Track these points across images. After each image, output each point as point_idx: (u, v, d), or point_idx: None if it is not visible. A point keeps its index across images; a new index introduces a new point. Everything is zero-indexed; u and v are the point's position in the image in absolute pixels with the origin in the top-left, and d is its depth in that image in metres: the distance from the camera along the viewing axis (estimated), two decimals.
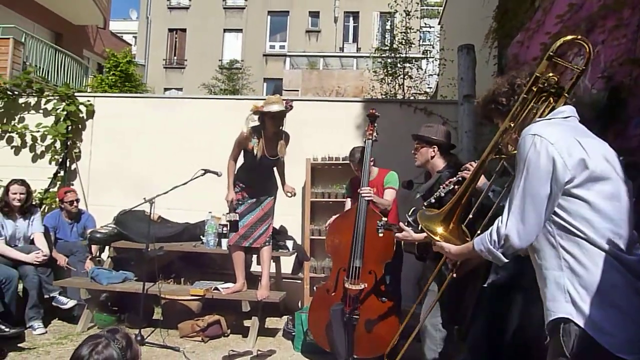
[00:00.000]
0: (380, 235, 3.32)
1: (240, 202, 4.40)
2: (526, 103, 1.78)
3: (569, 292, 1.56)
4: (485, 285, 2.89)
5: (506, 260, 1.67)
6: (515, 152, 1.73)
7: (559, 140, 1.59)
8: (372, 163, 4.13)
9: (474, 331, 2.90)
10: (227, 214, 4.48)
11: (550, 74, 1.76)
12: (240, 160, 4.49)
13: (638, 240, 1.63)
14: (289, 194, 4.51)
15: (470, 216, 2.07)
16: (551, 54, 1.75)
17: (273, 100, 4.22)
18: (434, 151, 3.33)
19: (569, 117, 1.73)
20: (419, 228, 3.17)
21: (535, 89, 1.76)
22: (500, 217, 1.66)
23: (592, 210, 1.57)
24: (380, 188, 4.14)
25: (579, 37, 1.80)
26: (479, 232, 1.91)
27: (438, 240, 1.94)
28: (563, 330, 1.56)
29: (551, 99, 1.76)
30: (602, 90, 2.99)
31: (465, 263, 2.52)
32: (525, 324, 2.45)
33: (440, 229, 1.95)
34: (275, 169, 4.51)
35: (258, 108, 4.21)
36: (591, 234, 1.56)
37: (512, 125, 1.80)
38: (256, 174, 4.40)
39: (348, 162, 4.46)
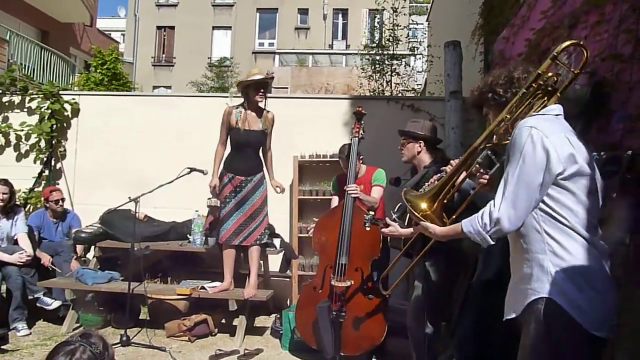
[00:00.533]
0: (367, 229, 3.33)
1: (228, 199, 4.36)
2: (525, 97, 1.87)
3: (551, 273, 1.71)
4: (471, 281, 2.90)
5: (492, 243, 1.79)
6: (506, 142, 1.85)
7: (553, 135, 1.72)
8: (360, 160, 4.13)
9: (462, 328, 2.91)
10: (208, 198, 4.41)
11: (550, 74, 1.86)
12: (228, 149, 4.47)
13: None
14: (278, 190, 4.47)
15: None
16: (555, 54, 1.84)
17: (255, 72, 4.34)
18: (420, 146, 3.34)
19: (558, 115, 1.84)
20: (405, 223, 3.19)
21: (535, 86, 1.86)
22: (491, 202, 1.77)
23: (576, 201, 1.72)
24: (368, 185, 4.14)
25: (581, 42, 1.89)
26: (454, 217, 2.02)
27: (420, 218, 1.98)
28: (543, 308, 1.70)
29: (546, 97, 1.87)
30: (585, 86, 3.00)
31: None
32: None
33: (424, 205, 2.00)
34: (261, 154, 4.48)
35: (243, 80, 4.33)
36: (574, 222, 1.72)
37: (508, 117, 1.90)
38: (242, 153, 4.37)
39: (336, 159, 4.46)
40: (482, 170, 2.08)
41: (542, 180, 1.71)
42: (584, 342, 1.66)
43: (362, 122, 4.02)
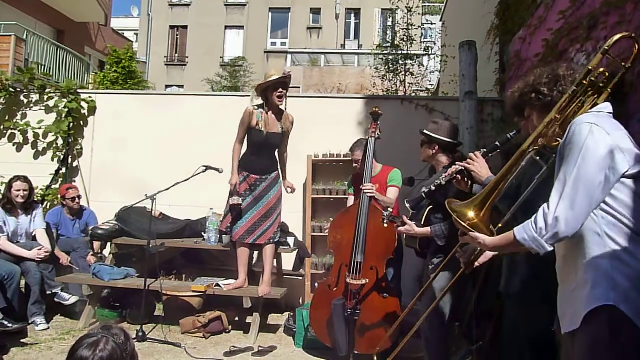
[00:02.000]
0: (385, 225, 3.34)
1: (243, 197, 4.39)
2: (576, 95, 1.77)
3: (614, 279, 1.56)
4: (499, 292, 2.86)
5: (549, 249, 1.65)
6: (555, 144, 1.75)
7: (614, 132, 1.62)
8: (374, 159, 4.15)
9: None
10: (230, 197, 4.43)
11: (602, 69, 1.75)
12: (244, 148, 4.49)
13: None
14: (289, 190, 4.50)
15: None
16: (606, 48, 1.75)
17: (272, 73, 4.35)
18: (434, 149, 3.33)
19: (611, 113, 1.74)
20: (420, 214, 3.18)
21: (586, 83, 1.75)
22: (544, 205, 1.64)
23: (639, 201, 1.60)
24: (383, 185, 4.15)
25: (633, 35, 1.79)
26: (500, 225, 1.89)
27: (468, 228, 1.84)
28: (606, 317, 1.55)
29: (597, 94, 1.76)
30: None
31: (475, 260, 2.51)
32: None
33: (471, 214, 1.86)
34: (277, 154, 4.51)
35: (260, 84, 4.34)
36: (638, 224, 1.59)
37: (559, 117, 1.79)
38: (260, 154, 4.39)
39: (349, 158, 4.46)
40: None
41: (604, 179, 1.58)
42: None
43: (379, 122, 4.04)
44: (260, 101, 4.41)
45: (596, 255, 1.61)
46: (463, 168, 2.46)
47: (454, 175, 2.49)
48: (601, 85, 1.75)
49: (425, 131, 3.38)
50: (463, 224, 1.85)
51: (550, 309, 2.19)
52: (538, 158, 1.88)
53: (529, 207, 1.81)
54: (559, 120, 1.78)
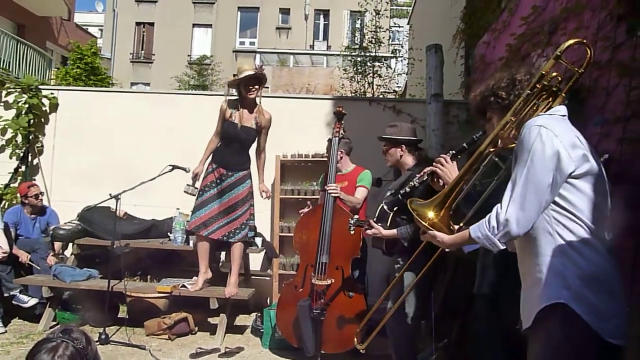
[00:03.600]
0: (352, 232, 3.37)
1: (207, 189, 4.33)
2: (529, 99, 1.83)
3: (566, 277, 1.62)
4: (475, 292, 2.96)
5: (502, 247, 1.71)
6: (512, 145, 1.81)
7: (563, 134, 1.67)
8: (342, 157, 4.18)
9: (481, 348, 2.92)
10: (187, 185, 4.37)
11: (555, 74, 1.81)
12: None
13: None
14: (264, 195, 4.45)
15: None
16: (559, 53, 1.81)
17: (244, 68, 4.32)
18: (401, 150, 3.38)
19: (564, 115, 1.80)
20: (386, 216, 3.23)
21: (539, 86, 1.81)
22: (498, 205, 1.70)
23: (588, 202, 1.65)
24: (352, 184, 4.17)
25: (585, 41, 1.87)
26: (461, 224, 1.96)
27: (427, 227, 1.91)
28: (558, 315, 1.60)
29: (550, 97, 1.83)
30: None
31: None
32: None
33: (431, 214, 1.93)
34: (255, 154, 4.50)
35: (232, 80, 4.33)
36: (588, 223, 1.64)
37: (514, 119, 1.85)
38: (230, 147, 4.36)
39: (318, 159, 4.48)
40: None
41: (552, 180, 1.64)
42: (601, 351, 1.58)
43: (343, 122, 4.06)
44: (234, 95, 4.42)
45: (548, 254, 1.67)
46: (432, 171, 2.51)
47: (427, 177, 2.54)
48: (555, 89, 1.82)
49: (387, 136, 3.42)
50: (423, 223, 1.91)
51: (517, 308, 2.30)
52: (497, 159, 1.96)
53: (489, 207, 1.86)
54: (514, 122, 1.84)
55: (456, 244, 1.90)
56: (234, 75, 4.34)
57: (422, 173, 2.60)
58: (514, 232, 1.66)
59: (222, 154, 4.38)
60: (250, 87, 4.28)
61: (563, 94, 1.83)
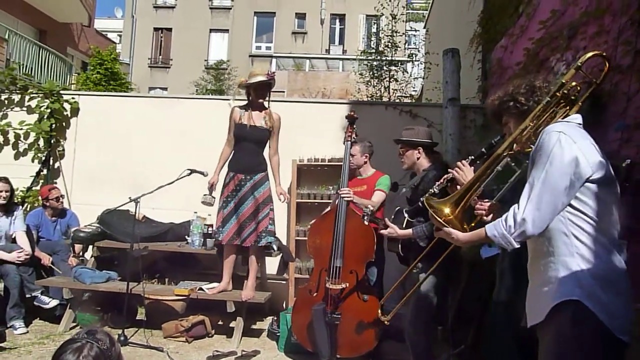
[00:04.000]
0: (366, 223, 3.36)
1: (229, 200, 4.37)
2: (549, 106, 1.89)
3: (579, 276, 1.69)
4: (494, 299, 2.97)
5: (517, 246, 1.77)
6: (528, 150, 1.87)
7: (581, 140, 1.74)
8: (366, 162, 4.23)
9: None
10: (204, 195, 4.40)
11: (574, 83, 1.88)
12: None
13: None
14: (282, 198, 4.46)
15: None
16: (580, 64, 1.88)
17: (256, 72, 4.38)
18: (419, 152, 3.38)
19: (580, 124, 1.86)
20: (401, 218, 3.24)
21: (559, 95, 1.88)
22: (515, 205, 1.77)
23: (604, 206, 1.73)
24: (371, 188, 4.16)
25: (604, 54, 1.96)
26: (473, 224, 2.00)
27: (443, 223, 1.95)
28: (570, 312, 1.67)
29: (568, 106, 1.90)
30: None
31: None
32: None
33: (447, 210, 1.98)
34: (268, 156, 4.51)
35: (243, 82, 4.40)
36: (602, 226, 1.72)
37: (532, 125, 1.91)
38: (244, 148, 4.40)
39: (334, 163, 4.49)
40: (477, 200, 2.09)
41: (568, 184, 1.71)
42: (611, 347, 1.66)
43: (355, 126, 4.07)
44: (243, 98, 4.48)
45: (563, 254, 1.74)
46: (451, 176, 2.53)
47: (446, 183, 2.55)
48: (573, 98, 1.88)
49: (405, 138, 3.42)
50: (438, 219, 1.96)
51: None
52: (513, 164, 2.00)
53: (503, 207, 1.94)
54: (533, 127, 1.91)
55: (471, 242, 1.95)
56: (248, 78, 4.40)
57: (441, 180, 2.61)
58: (530, 232, 1.72)
59: (237, 158, 4.42)
60: (260, 92, 4.34)
61: (580, 103, 1.90)
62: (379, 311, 3.10)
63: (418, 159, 3.38)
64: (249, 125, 4.34)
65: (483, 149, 2.46)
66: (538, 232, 1.73)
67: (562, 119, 1.87)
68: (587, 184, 1.72)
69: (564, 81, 1.87)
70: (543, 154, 1.75)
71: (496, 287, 2.88)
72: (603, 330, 1.64)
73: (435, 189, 2.63)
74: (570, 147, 1.71)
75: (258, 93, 4.37)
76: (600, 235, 1.71)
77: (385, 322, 3.01)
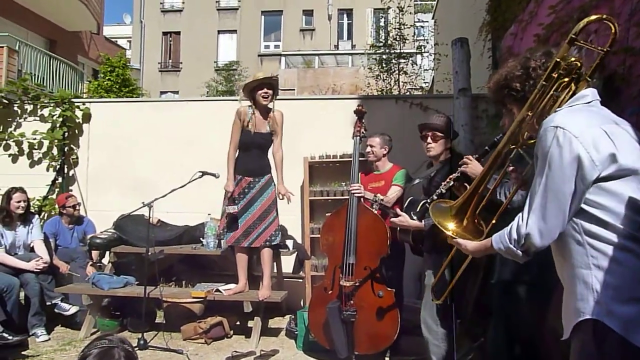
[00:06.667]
0: (375, 211, 3.37)
1: (237, 201, 4.39)
2: (545, 91, 1.64)
3: (597, 290, 1.49)
4: (492, 281, 2.90)
5: (526, 259, 1.62)
6: (533, 141, 1.66)
7: (584, 132, 1.49)
8: (385, 155, 4.17)
9: (494, 339, 2.88)
10: (226, 205, 4.42)
11: (573, 59, 1.62)
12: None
13: None
14: (280, 197, 4.41)
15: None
16: (573, 36, 1.61)
17: (259, 75, 4.41)
18: (449, 142, 3.33)
19: (591, 101, 1.61)
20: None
21: (555, 75, 1.62)
22: (519, 215, 1.59)
23: (623, 202, 1.48)
24: (389, 182, 4.10)
25: (605, 16, 1.65)
26: (487, 230, 1.83)
27: (451, 236, 1.84)
28: (592, 331, 1.49)
29: (572, 84, 1.63)
30: (596, 80, 3.00)
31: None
32: (532, 320, 2.47)
33: (452, 225, 1.84)
34: (271, 156, 4.50)
35: (246, 84, 4.42)
36: (621, 229, 1.47)
37: (530, 114, 1.68)
38: (249, 153, 4.41)
39: (346, 159, 4.46)
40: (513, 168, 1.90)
41: (574, 189, 1.49)
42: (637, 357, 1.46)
43: (364, 121, 4.04)
44: (248, 102, 4.46)
45: (579, 265, 1.54)
46: (459, 175, 2.50)
47: (453, 182, 2.51)
48: (575, 76, 1.63)
49: (441, 124, 3.29)
50: (447, 232, 1.85)
51: (531, 296, 2.36)
52: (526, 155, 1.82)
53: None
54: (531, 117, 1.69)
55: (479, 252, 1.81)
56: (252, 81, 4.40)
57: (447, 179, 2.57)
58: (538, 245, 1.56)
59: (244, 162, 4.43)
60: (265, 92, 4.32)
61: (588, 78, 1.64)
62: (432, 295, 2.95)
63: (445, 148, 3.32)
64: (254, 132, 4.36)
65: (487, 147, 2.42)
66: (548, 243, 1.56)
67: (568, 99, 1.63)
68: (598, 183, 1.49)
69: (558, 59, 1.61)
70: (541, 156, 1.54)
71: (498, 266, 2.78)
72: (625, 343, 1.44)
73: (442, 189, 2.60)
74: (569, 145, 1.48)
75: (263, 94, 4.32)
76: (619, 238, 1.47)
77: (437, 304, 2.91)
